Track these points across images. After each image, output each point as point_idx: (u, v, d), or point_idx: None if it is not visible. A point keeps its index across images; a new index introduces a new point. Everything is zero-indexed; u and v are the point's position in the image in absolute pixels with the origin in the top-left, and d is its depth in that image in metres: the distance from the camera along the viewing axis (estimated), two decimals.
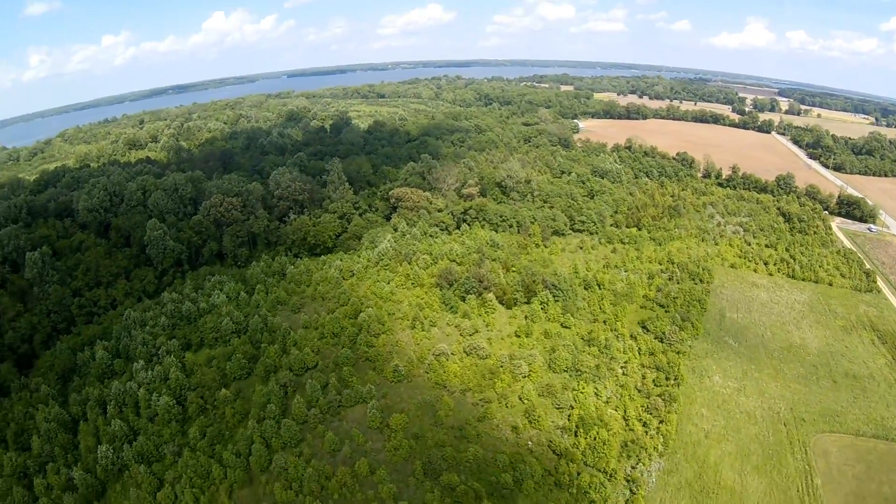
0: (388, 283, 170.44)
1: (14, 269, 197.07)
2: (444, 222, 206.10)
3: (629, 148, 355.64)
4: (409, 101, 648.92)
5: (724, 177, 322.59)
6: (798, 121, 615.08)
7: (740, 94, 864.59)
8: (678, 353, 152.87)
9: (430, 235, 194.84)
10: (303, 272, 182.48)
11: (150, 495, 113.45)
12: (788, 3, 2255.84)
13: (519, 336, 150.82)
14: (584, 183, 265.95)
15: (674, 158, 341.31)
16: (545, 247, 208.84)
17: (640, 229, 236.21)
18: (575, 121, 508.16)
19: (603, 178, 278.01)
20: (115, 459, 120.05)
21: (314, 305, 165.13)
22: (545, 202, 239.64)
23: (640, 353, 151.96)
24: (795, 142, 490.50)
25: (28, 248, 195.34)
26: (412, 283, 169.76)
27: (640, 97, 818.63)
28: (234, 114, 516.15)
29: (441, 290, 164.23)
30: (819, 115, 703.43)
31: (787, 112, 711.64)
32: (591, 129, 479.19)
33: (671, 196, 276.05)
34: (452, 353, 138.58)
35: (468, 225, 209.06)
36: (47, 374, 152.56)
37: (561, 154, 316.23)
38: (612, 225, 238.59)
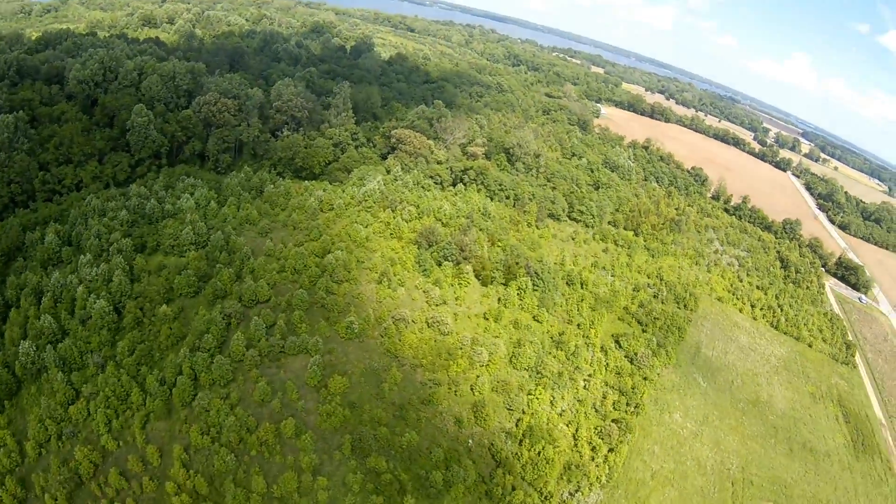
0: (366, 226, 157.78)
1: None
2: (440, 176, 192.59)
3: (646, 148, 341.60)
4: (437, 41, 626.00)
5: (732, 203, 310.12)
6: (815, 168, 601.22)
7: (765, 125, 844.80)
8: (645, 378, 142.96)
9: (423, 187, 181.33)
10: (281, 194, 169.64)
11: (62, 406, 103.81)
12: (837, 48, 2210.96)
13: (487, 319, 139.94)
14: (592, 171, 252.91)
15: (688, 171, 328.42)
16: (537, 228, 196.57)
17: (637, 235, 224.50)
18: (598, 105, 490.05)
19: (613, 172, 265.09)
20: (35, 358, 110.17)
21: (283, 233, 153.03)
22: (548, 181, 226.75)
23: (606, 369, 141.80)
24: (808, 188, 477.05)
25: (6, 109, 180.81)
26: (390, 234, 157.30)
27: (668, 99, 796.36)
28: (258, 12, 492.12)
29: (419, 248, 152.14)
30: (836, 168, 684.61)
31: (806, 155, 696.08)
32: (612, 119, 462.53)
33: (675, 209, 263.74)
34: (413, 322, 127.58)
35: (464, 185, 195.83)
36: None
37: (577, 135, 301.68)
38: (610, 222, 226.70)
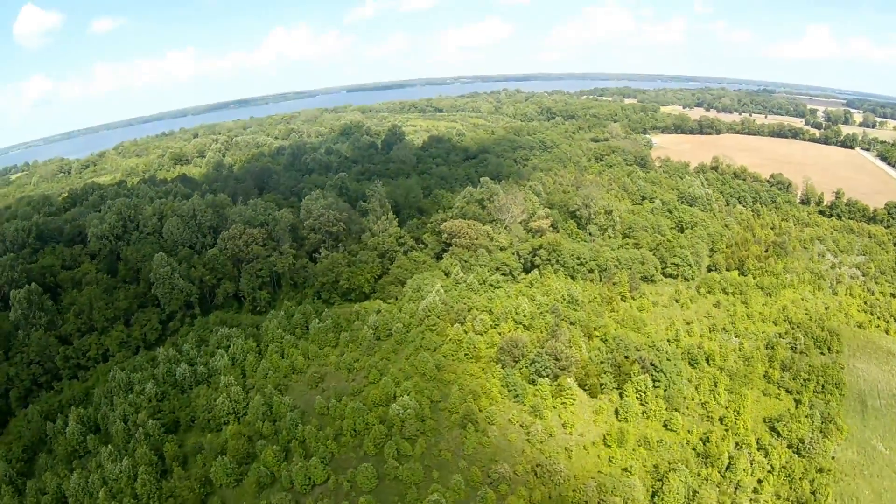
0: (434, 350, 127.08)
1: (7, 306, 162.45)
2: (507, 265, 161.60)
3: (716, 168, 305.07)
4: (467, 115, 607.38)
5: (825, 203, 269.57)
6: (877, 134, 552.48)
7: (810, 107, 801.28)
8: (821, 470, 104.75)
9: (491, 285, 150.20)
10: (329, 328, 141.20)
11: None
12: (851, 8, 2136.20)
13: (608, 445, 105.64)
14: (670, 212, 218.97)
15: (767, 181, 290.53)
16: (633, 299, 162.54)
17: (743, 274, 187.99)
18: (647, 136, 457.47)
19: (692, 206, 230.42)
20: None
21: (337, 380, 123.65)
22: (626, 237, 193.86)
23: (773, 475, 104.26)
24: (883, 158, 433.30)
25: (23, 281, 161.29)
26: (465, 355, 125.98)
27: (708, 110, 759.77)
28: (285, 128, 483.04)
29: (503, 367, 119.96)
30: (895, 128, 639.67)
31: (861, 125, 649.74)
32: (664, 146, 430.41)
33: (772, 229, 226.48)
34: (516, 475, 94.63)
35: (538, 270, 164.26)
36: (13, 445, 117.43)
37: (639, 175, 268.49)
38: (710, 267, 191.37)
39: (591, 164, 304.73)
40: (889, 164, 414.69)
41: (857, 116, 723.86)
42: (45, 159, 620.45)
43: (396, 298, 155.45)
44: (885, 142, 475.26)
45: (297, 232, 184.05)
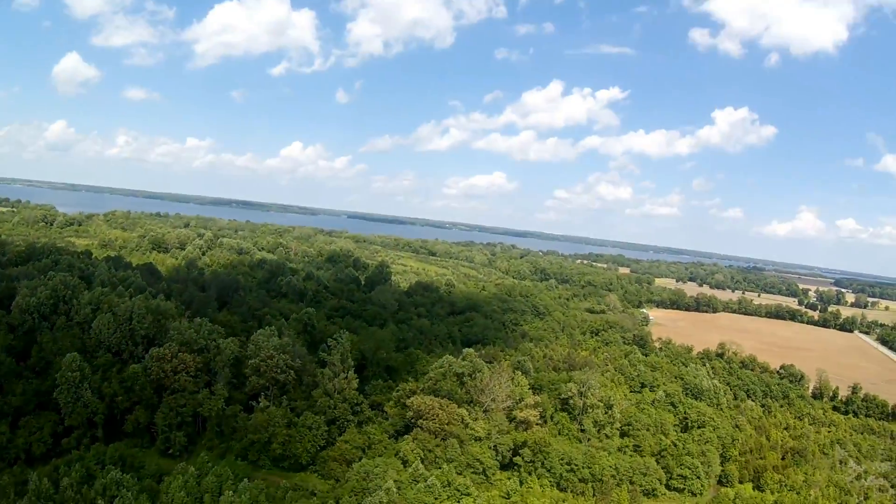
0: None
1: None
2: (481, 462, 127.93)
3: (722, 355, 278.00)
4: (460, 263, 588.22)
5: (840, 398, 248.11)
6: (873, 315, 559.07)
7: (802, 286, 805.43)
8: None
9: (458, 489, 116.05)
10: None
11: None
12: (840, 191, 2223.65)
13: None
14: (674, 406, 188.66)
15: (777, 372, 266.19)
16: None
17: (759, 488, 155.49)
18: (643, 311, 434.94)
19: (698, 400, 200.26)
20: None
21: None
22: (625, 435, 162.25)
23: None
24: (885, 342, 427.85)
25: None
26: None
27: (701, 285, 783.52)
28: (274, 241, 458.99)
29: None
30: (887, 308, 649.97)
31: (853, 305, 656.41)
32: (660, 322, 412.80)
33: (786, 430, 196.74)
34: None
35: (517, 473, 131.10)
36: None
37: (638, 358, 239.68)
38: (720, 479, 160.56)
39: (587, 338, 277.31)
40: (891, 348, 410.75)
41: (849, 297, 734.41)
42: (40, 203, 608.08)
43: (337, 480, 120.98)
44: (884, 325, 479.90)
45: (240, 367, 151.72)
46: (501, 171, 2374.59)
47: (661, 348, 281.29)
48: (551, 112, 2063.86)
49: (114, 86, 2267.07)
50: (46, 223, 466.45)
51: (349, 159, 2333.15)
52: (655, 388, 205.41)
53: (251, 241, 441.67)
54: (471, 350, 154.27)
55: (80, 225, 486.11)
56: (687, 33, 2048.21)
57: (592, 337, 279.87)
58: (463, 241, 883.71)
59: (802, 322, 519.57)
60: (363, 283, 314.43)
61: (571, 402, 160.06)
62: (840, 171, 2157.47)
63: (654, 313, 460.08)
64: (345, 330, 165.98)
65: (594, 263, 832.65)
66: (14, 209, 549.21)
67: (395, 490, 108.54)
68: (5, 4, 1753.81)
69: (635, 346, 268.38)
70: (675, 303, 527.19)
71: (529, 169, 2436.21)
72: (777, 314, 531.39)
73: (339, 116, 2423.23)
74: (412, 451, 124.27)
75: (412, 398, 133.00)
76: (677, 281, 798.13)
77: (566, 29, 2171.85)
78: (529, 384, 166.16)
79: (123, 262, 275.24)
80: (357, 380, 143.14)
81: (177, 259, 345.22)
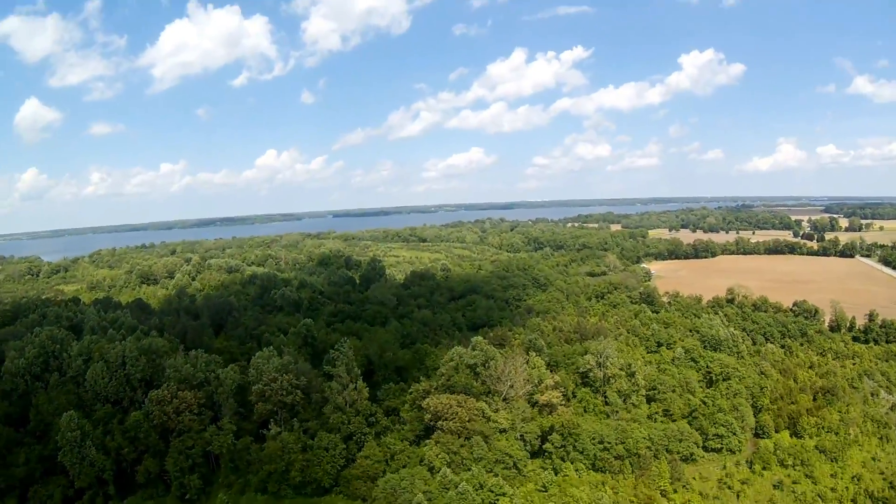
0: None
1: None
2: (510, 456, 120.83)
3: (732, 300, 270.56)
4: (452, 245, 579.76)
5: (858, 328, 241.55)
6: (871, 237, 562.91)
7: (794, 218, 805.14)
8: None
9: (492, 490, 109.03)
10: None
11: None
12: (816, 119, 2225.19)
13: None
14: (695, 361, 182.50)
15: (791, 310, 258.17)
16: (674, 492, 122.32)
17: (797, 435, 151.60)
18: (643, 266, 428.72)
19: (716, 352, 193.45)
20: None
21: None
22: (652, 400, 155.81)
23: None
24: (887, 263, 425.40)
25: None
26: None
27: (694, 231, 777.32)
28: (263, 253, 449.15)
29: None
30: (882, 228, 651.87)
31: (848, 229, 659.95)
32: (662, 274, 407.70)
33: (811, 368, 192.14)
34: None
35: (550, 461, 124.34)
36: None
37: (649, 316, 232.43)
38: (756, 432, 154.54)
39: (593, 303, 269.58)
40: (893, 268, 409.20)
41: (843, 222, 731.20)
42: (23, 255, 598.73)
43: (364, 500, 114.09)
44: (884, 246, 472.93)
45: (245, 395, 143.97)
46: (478, 147, 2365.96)
47: (669, 303, 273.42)
48: (518, 81, 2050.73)
49: (78, 125, 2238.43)
50: (32, 275, 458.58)
51: (325, 159, 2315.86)
52: (672, 346, 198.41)
53: (240, 258, 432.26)
54: (479, 337, 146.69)
55: (66, 271, 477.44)
56: None
57: (598, 301, 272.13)
58: (451, 222, 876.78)
59: (802, 254, 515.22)
60: (358, 282, 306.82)
61: (591, 374, 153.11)
62: (813, 98, 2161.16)
63: (653, 266, 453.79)
64: (346, 337, 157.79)
65: (585, 225, 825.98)
66: None
67: (426, 502, 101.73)
68: None
69: (644, 305, 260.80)
70: (673, 252, 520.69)
71: (505, 140, 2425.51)
72: (776, 249, 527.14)
73: (309, 117, 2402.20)
74: (437, 455, 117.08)
75: (427, 399, 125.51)
76: (670, 230, 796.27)
77: None
78: (545, 362, 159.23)
79: (113, 302, 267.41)
80: (367, 388, 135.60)
81: (167, 289, 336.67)
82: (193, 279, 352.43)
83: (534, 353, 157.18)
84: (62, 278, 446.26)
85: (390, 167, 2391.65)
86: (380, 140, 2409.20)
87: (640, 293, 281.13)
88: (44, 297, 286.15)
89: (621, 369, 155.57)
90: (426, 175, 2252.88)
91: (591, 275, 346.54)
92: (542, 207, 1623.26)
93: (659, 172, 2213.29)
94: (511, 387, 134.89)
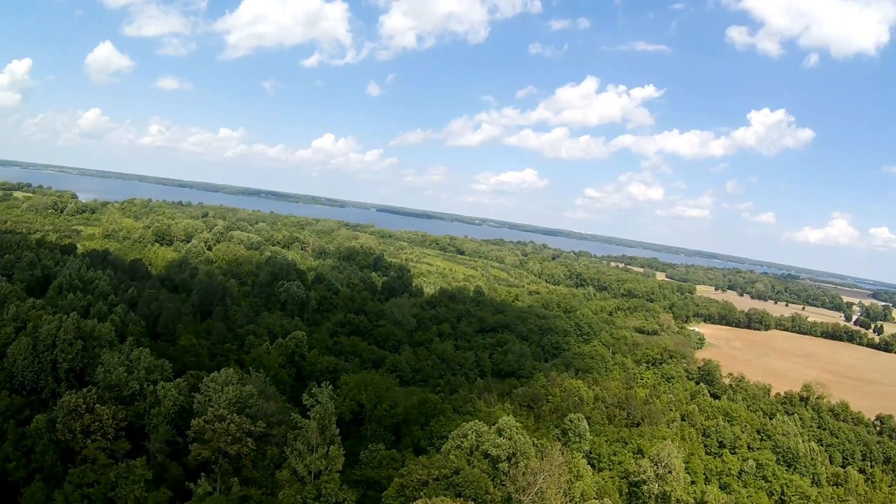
0: None
1: None
2: None
3: (806, 399, 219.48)
4: (489, 263, 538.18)
5: None
6: None
7: (846, 300, 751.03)
8: None
9: None
10: None
11: None
12: (875, 199, 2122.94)
13: None
14: (767, 481, 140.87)
15: (874, 424, 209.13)
16: None
17: None
18: (696, 330, 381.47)
19: (791, 469, 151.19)
20: None
21: None
22: None
23: None
24: None
25: None
26: None
27: (741, 294, 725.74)
28: (290, 235, 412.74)
29: None
30: None
31: None
32: (713, 342, 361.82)
33: None
34: None
35: None
36: None
37: (709, 402, 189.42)
38: None
39: (642, 369, 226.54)
40: None
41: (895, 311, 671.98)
42: (67, 189, 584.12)
43: None
44: None
45: (188, 421, 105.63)
46: (532, 168, 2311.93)
47: (732, 386, 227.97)
48: (585, 109, 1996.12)
49: (146, 75, 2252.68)
50: (56, 210, 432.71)
51: (380, 152, 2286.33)
52: (737, 450, 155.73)
53: (266, 234, 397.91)
54: (510, 418, 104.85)
55: (92, 213, 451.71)
56: (724, 31, 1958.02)
57: (649, 368, 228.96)
58: (492, 238, 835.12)
59: (862, 344, 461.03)
60: (379, 288, 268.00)
61: (645, 487, 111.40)
62: (876, 177, 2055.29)
63: (704, 329, 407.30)
64: (328, 379, 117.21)
65: (629, 267, 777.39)
66: (33, 194, 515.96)
67: None
68: None
69: (703, 384, 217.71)
70: (724, 318, 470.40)
71: (561, 166, 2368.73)
72: (834, 334, 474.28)
73: (371, 109, 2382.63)
74: None
75: (419, 502, 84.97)
76: (716, 289, 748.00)
77: (601, 25, 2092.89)
78: (583, 454, 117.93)
79: (108, 257, 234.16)
80: (343, 455, 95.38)
81: (179, 253, 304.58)
82: (209, 248, 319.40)
83: (576, 453, 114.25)
84: (85, 219, 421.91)
85: (443, 172, 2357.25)
86: (437, 144, 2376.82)
87: (698, 368, 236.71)
88: (32, 236, 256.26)
89: (682, 490, 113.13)
90: (476, 187, 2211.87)
91: (641, 331, 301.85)
92: (585, 240, 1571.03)
93: (708, 226, 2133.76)
94: (540, 498, 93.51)
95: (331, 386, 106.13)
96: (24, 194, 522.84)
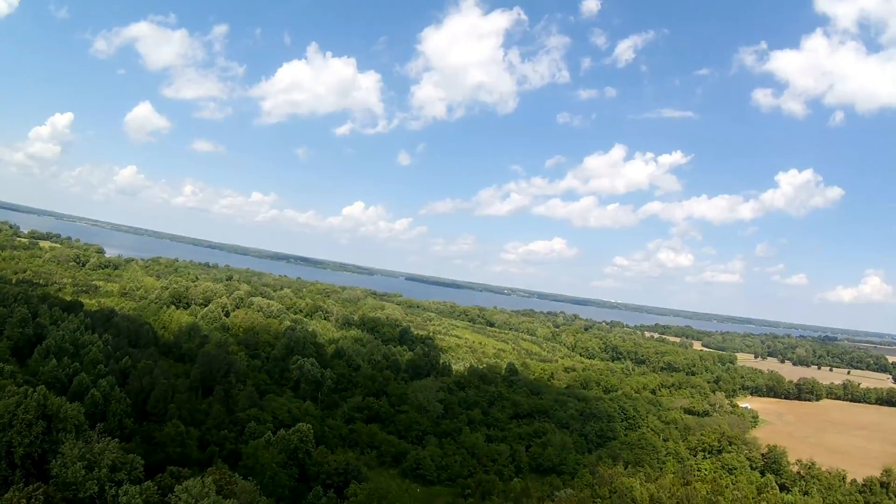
0: None
1: None
2: None
3: (887, 486, 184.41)
4: (521, 336, 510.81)
5: None
6: None
7: (891, 360, 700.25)
8: None
9: None
10: None
11: None
12: None
13: None
14: None
15: None
16: None
17: None
18: (748, 407, 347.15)
19: None
20: None
21: None
22: None
23: None
24: None
25: None
26: None
27: (782, 361, 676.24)
28: (313, 303, 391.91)
29: None
30: None
31: None
32: (766, 417, 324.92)
33: None
34: None
35: None
36: None
37: (780, 498, 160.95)
38: None
39: (699, 459, 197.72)
40: None
41: None
42: (89, 242, 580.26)
43: None
44: None
45: None
46: (561, 237, 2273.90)
47: (801, 474, 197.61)
48: (612, 178, 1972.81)
49: (183, 137, 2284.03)
50: (78, 263, 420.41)
51: (410, 221, 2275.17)
52: None
53: (290, 302, 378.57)
54: None
55: (115, 268, 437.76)
56: (750, 94, 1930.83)
57: (706, 458, 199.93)
58: (522, 308, 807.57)
59: None
60: (404, 366, 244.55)
61: None
62: None
63: (753, 403, 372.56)
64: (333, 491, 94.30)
65: (664, 337, 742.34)
66: (60, 246, 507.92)
67: None
68: (82, 50, 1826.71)
69: (769, 474, 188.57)
70: (772, 389, 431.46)
71: (589, 235, 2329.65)
72: (889, 400, 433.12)
73: (401, 178, 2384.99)
74: None
75: None
76: (756, 356, 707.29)
77: (628, 93, 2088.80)
78: None
79: (113, 319, 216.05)
80: None
81: (195, 318, 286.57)
82: (227, 314, 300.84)
83: None
84: (106, 275, 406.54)
85: (472, 242, 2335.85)
86: (466, 213, 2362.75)
87: (762, 455, 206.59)
88: (42, 289, 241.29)
89: None
90: (505, 256, 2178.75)
91: (691, 412, 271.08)
92: (616, 309, 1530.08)
93: (739, 290, 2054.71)
94: None
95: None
96: (51, 244, 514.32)
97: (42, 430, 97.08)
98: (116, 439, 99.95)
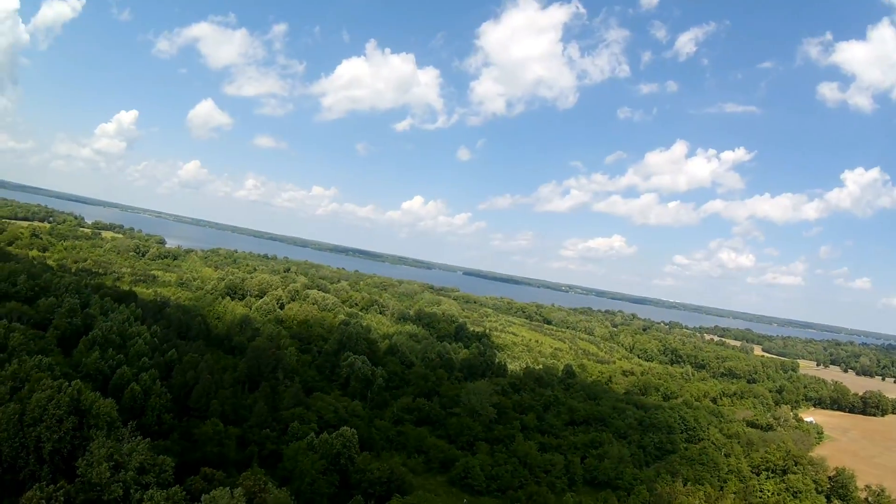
0: None
1: None
2: None
3: None
4: (578, 335, 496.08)
5: None
6: None
7: None
8: None
9: None
10: None
11: None
12: None
13: None
14: None
15: None
16: None
17: None
18: (812, 421, 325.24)
19: None
20: None
21: None
22: None
23: None
24: None
25: None
26: None
27: (845, 370, 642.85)
28: (368, 297, 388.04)
29: None
30: None
31: None
32: (830, 433, 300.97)
33: None
34: None
35: None
36: None
37: None
38: None
39: (762, 479, 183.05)
40: None
41: None
42: (157, 233, 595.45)
43: None
44: None
45: None
46: (620, 235, 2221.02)
47: (869, 501, 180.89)
48: (674, 174, 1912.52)
49: (245, 133, 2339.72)
50: (138, 253, 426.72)
51: (469, 216, 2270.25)
52: None
53: (346, 295, 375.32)
54: None
55: (174, 259, 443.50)
56: (815, 88, 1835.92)
57: (770, 478, 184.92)
58: (580, 306, 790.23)
59: None
60: (458, 366, 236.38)
61: None
62: None
63: (816, 417, 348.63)
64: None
65: (724, 340, 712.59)
66: (121, 237, 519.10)
67: None
68: (145, 50, 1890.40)
69: (835, 501, 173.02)
70: (837, 402, 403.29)
71: (649, 233, 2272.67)
72: None
73: (461, 173, 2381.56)
74: None
75: None
76: (818, 364, 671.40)
77: (690, 88, 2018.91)
78: None
79: (164, 310, 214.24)
80: None
81: (249, 309, 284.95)
82: (281, 306, 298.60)
83: None
84: (165, 265, 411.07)
85: (531, 238, 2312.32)
86: (526, 209, 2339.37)
87: (829, 478, 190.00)
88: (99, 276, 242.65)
89: None
90: (564, 253, 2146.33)
91: (753, 425, 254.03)
92: (675, 309, 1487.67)
93: (801, 293, 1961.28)
94: None
95: None
96: (113, 234, 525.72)
97: (73, 425, 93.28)
98: (148, 438, 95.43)
